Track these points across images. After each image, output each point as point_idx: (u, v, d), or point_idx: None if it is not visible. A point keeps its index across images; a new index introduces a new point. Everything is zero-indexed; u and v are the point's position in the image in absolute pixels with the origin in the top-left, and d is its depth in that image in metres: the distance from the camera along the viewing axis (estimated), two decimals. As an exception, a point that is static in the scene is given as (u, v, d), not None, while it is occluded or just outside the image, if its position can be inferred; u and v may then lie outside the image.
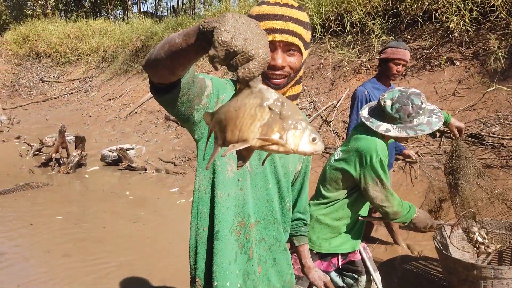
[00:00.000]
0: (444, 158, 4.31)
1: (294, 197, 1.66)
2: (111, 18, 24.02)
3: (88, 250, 4.31)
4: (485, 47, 5.66)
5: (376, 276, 2.45)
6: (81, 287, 3.57)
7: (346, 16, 7.63)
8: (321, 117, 6.61)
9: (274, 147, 0.77)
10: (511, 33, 5.34)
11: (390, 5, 7.13)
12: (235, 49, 0.76)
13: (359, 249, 2.47)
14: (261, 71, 0.79)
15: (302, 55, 1.31)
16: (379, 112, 2.25)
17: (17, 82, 17.76)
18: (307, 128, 0.77)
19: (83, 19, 19.58)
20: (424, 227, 2.33)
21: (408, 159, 4.69)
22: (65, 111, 13.75)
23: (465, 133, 4.72)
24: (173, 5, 30.06)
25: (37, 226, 5.00)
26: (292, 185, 1.59)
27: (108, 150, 7.98)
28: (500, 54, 5.15)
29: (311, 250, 2.30)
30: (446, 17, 6.12)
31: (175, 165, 7.22)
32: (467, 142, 4.62)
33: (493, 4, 5.65)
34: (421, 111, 2.15)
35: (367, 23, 7.17)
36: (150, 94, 10.53)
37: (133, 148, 8.23)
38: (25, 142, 9.34)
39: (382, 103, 2.21)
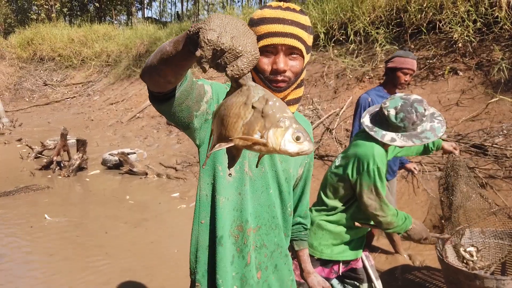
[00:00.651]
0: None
1: (295, 201, 1.66)
2: (115, 24, 24.13)
3: (88, 254, 4.29)
4: (489, 58, 5.66)
5: (378, 284, 2.43)
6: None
7: (350, 25, 7.65)
8: (324, 124, 6.60)
9: (256, 147, 0.75)
10: (515, 44, 5.35)
11: (394, 14, 7.15)
12: (222, 47, 0.74)
13: (361, 257, 2.46)
14: (251, 67, 0.77)
15: (303, 59, 1.31)
16: (382, 121, 2.23)
17: (20, 85, 17.81)
18: (291, 127, 0.74)
19: (87, 24, 19.67)
20: (419, 239, 2.32)
21: (410, 172, 4.69)
22: (67, 115, 13.77)
23: (467, 143, 4.71)
24: (177, 11, 30.23)
25: (37, 229, 4.98)
26: (293, 190, 1.59)
27: (110, 154, 7.97)
28: (503, 65, 5.15)
29: (312, 256, 2.29)
30: (450, 28, 6.13)
31: (176, 170, 7.20)
32: (470, 152, 4.61)
33: (497, 15, 5.66)
34: (424, 118, 2.15)
35: (370, 32, 7.18)
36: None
37: (135, 153, 8.21)
38: (27, 145, 9.33)
39: (386, 112, 2.19)
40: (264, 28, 1.25)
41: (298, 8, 1.29)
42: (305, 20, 1.29)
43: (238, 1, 30.30)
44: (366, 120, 2.31)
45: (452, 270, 2.72)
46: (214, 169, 1.35)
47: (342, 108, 6.64)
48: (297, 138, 0.74)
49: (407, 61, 3.27)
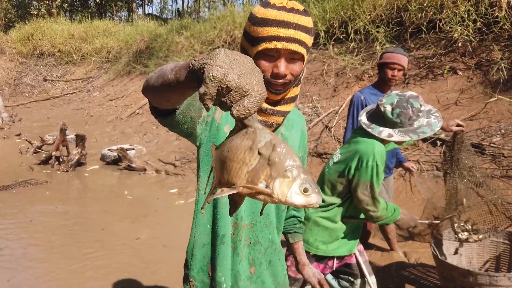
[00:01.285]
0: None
1: None
2: (116, 20, 24.11)
3: (86, 248, 4.31)
4: (488, 58, 5.67)
5: (372, 279, 2.44)
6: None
7: (351, 24, 7.65)
8: (323, 122, 6.62)
9: (261, 196, 0.71)
10: (514, 44, 5.36)
11: (395, 13, 7.16)
12: (228, 85, 0.70)
13: (354, 253, 2.47)
14: (257, 108, 0.73)
15: (304, 61, 1.31)
16: (379, 117, 2.25)
17: (20, 80, 17.81)
18: (299, 177, 0.70)
19: (88, 20, 19.63)
20: (407, 228, 2.37)
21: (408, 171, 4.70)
22: (67, 110, 13.78)
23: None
24: (178, 8, 30.23)
25: (36, 223, 5.00)
26: None
27: (108, 150, 7.98)
28: (503, 65, 5.15)
29: (308, 252, 2.31)
30: (450, 27, 6.13)
31: (175, 167, 7.22)
32: (468, 151, 4.61)
33: (497, 15, 5.67)
34: (420, 114, 2.16)
35: (371, 31, 7.19)
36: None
37: (133, 149, 8.22)
38: (26, 140, 9.34)
39: (382, 109, 2.21)
40: (268, 31, 1.22)
41: (301, 8, 1.27)
42: (309, 22, 1.26)
43: (239, -1, 30.28)
44: (363, 117, 2.33)
45: (446, 267, 2.74)
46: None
47: (341, 107, 6.65)
48: (305, 190, 0.70)
49: (393, 56, 3.27)
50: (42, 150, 8.81)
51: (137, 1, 27.21)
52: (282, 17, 1.22)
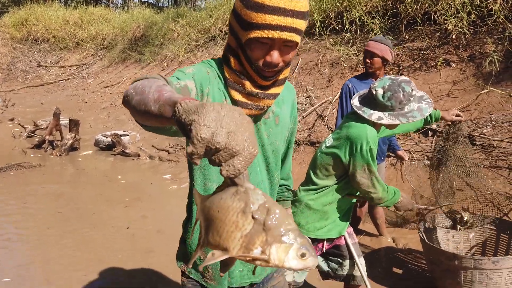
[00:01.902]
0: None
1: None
2: (111, 7, 23.91)
3: (79, 232, 4.33)
4: (481, 50, 5.71)
5: (360, 261, 2.49)
6: (74, 273, 3.56)
7: (346, 14, 7.66)
8: (316, 112, 6.65)
9: (257, 262, 0.70)
10: (507, 37, 5.40)
11: (390, 5, 7.17)
12: (217, 146, 0.67)
13: (344, 235, 2.52)
14: (247, 166, 0.70)
15: (297, 46, 1.26)
16: (370, 101, 2.28)
17: (13, 65, 17.64)
18: (296, 242, 0.68)
19: (83, 6, 19.47)
20: (405, 210, 2.42)
21: (400, 160, 4.75)
22: (61, 97, 13.71)
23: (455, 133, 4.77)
24: (174, -3, 29.95)
25: (29, 205, 5.02)
26: None
27: (102, 135, 7.97)
28: (495, 57, 5.20)
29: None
30: (444, 19, 6.17)
31: (168, 153, 7.24)
32: (464, 140, 4.68)
33: (491, 8, 5.70)
34: (411, 98, 2.19)
35: (366, 22, 7.21)
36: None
37: (127, 135, 8.23)
38: (19, 124, 9.31)
39: (374, 92, 2.24)
40: (263, 18, 1.16)
41: None
42: (305, 5, 1.20)
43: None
44: (355, 101, 2.36)
45: (433, 251, 2.81)
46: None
47: (335, 96, 6.67)
48: (302, 255, 0.68)
49: (369, 43, 3.40)
50: (36, 134, 8.80)
51: (133, -11, 26.94)
52: (279, 3, 1.15)
